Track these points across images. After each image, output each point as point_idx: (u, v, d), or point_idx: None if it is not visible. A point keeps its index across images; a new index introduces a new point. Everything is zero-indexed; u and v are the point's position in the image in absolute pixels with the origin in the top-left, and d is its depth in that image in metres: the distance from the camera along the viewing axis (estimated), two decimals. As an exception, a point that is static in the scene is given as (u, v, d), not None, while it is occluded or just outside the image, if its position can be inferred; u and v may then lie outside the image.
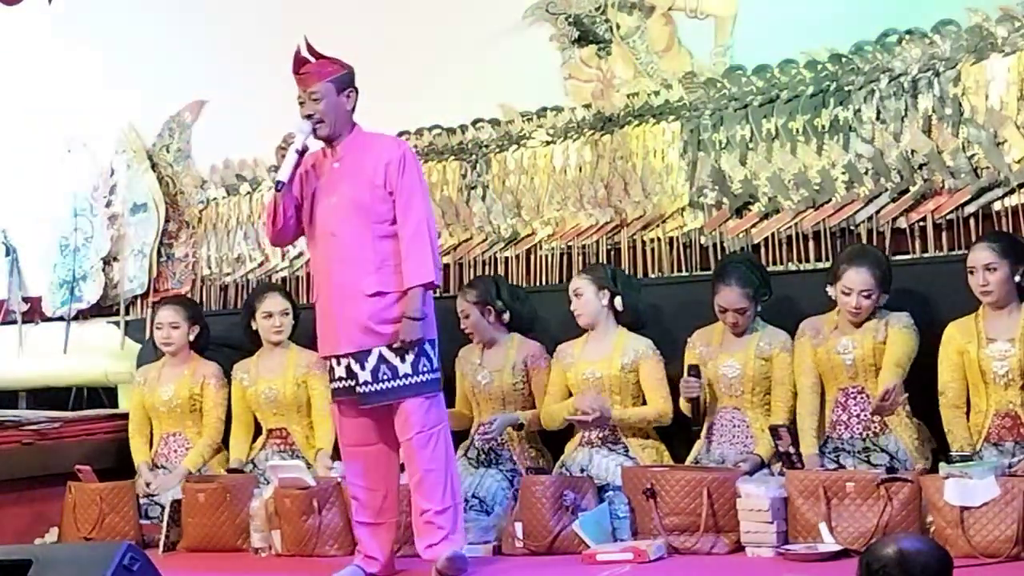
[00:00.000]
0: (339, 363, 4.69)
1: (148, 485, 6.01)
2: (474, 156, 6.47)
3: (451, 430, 4.84)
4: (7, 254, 7.58)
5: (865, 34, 5.61)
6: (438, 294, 6.23)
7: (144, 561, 3.46)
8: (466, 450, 5.64)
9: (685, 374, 5.25)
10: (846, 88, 5.62)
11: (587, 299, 5.49)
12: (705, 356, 5.34)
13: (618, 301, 5.47)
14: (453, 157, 6.53)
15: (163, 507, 5.77)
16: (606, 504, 5.07)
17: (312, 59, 4.70)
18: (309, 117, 4.66)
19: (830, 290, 5.08)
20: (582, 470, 5.30)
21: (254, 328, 6.14)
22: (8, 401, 7.33)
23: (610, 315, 5.50)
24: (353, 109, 4.75)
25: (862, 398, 5.04)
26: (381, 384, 4.61)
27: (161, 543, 5.64)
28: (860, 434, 5.03)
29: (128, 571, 3.39)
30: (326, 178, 4.69)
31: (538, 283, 6.22)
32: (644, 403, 5.44)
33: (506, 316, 5.71)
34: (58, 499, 5.91)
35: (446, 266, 6.37)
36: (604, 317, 5.50)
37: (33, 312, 7.48)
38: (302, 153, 4.67)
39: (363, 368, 4.62)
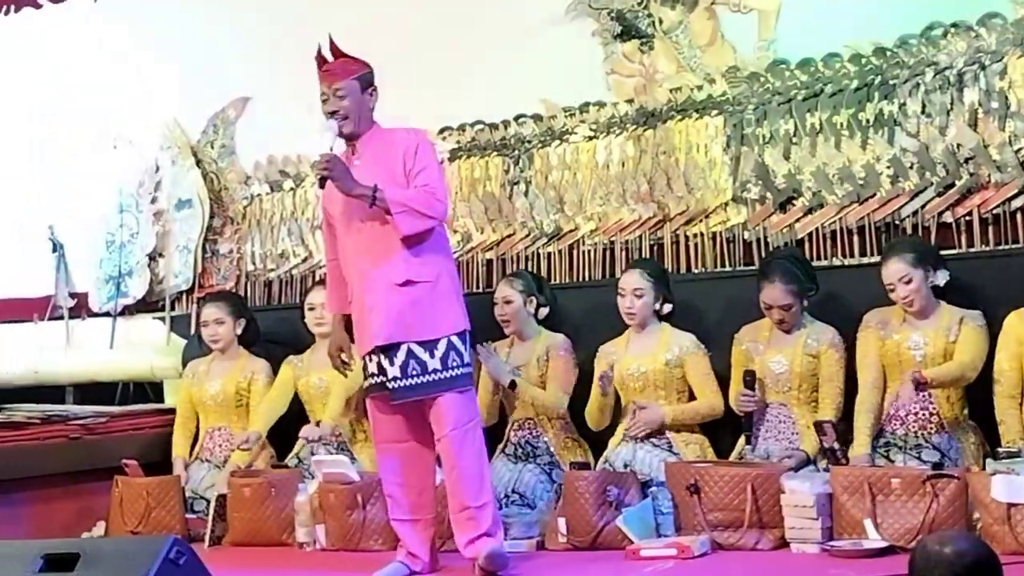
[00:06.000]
0: (371, 359, 4.69)
1: (182, 480, 6.04)
2: (516, 151, 6.46)
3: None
4: (54, 250, 7.63)
5: (910, 27, 5.56)
6: (480, 289, 6.28)
7: (190, 555, 3.48)
8: (503, 446, 5.65)
9: (741, 382, 5.24)
10: (891, 82, 5.58)
11: (646, 302, 5.48)
12: (752, 352, 5.32)
13: (667, 307, 5.53)
14: (495, 153, 6.52)
15: (208, 501, 5.81)
16: (649, 499, 5.06)
17: (333, 57, 4.72)
18: (333, 114, 4.67)
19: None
20: (625, 465, 5.30)
21: (306, 321, 6.19)
22: (55, 396, 7.38)
23: (654, 315, 5.54)
24: (374, 108, 4.76)
25: (922, 396, 4.98)
26: (410, 380, 4.60)
27: (206, 537, 5.69)
28: (915, 432, 4.99)
29: (174, 565, 3.40)
30: None
31: (581, 278, 6.21)
32: (691, 399, 5.45)
33: (543, 312, 5.72)
34: (105, 493, 5.97)
35: (489, 262, 6.39)
36: (652, 318, 5.54)
37: (80, 308, 7.53)
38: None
39: (392, 363, 4.62)
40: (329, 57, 4.73)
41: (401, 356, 4.61)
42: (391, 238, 4.60)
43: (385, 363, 4.63)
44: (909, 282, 4.99)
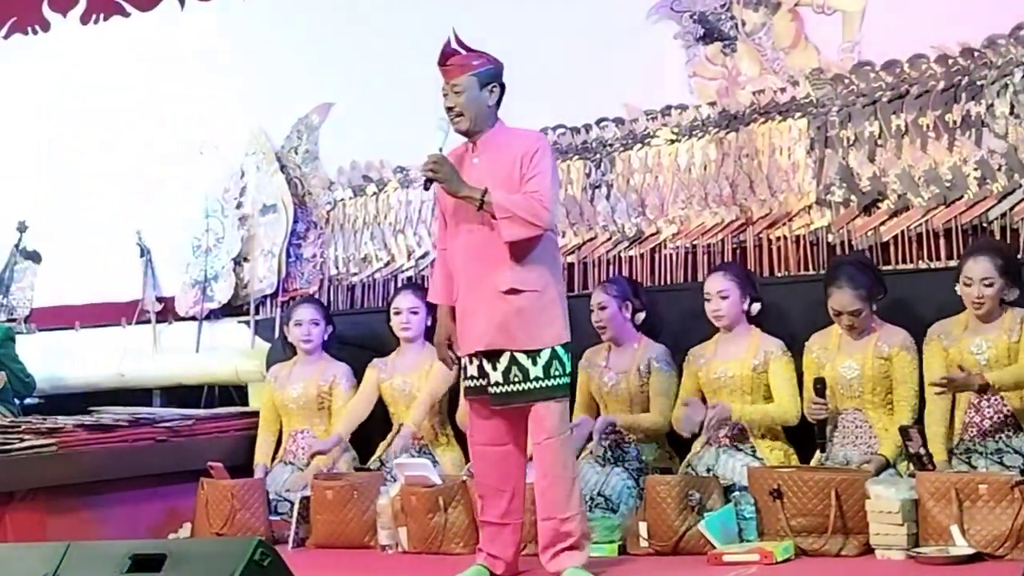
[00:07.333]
0: (472, 361, 4.68)
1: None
2: (598, 155, 6.45)
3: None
4: (141, 255, 7.74)
5: (998, 27, 5.49)
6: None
7: (274, 557, 3.51)
8: (591, 449, 5.64)
9: (811, 390, 5.19)
10: (978, 83, 5.51)
11: (733, 301, 5.46)
12: (823, 359, 5.27)
13: (756, 306, 5.49)
14: (577, 156, 6.51)
15: (292, 504, 5.86)
16: (732, 504, 5.02)
17: (460, 51, 4.69)
18: (450, 110, 4.66)
19: (958, 288, 4.99)
20: (708, 470, 5.27)
21: (391, 325, 6.22)
22: (142, 399, 7.49)
23: (743, 316, 5.50)
24: (498, 104, 4.73)
25: (996, 400, 4.93)
26: (512, 386, 4.58)
27: (290, 539, 5.74)
28: (993, 437, 4.93)
29: (259, 567, 3.43)
30: (466, 173, 4.64)
31: (663, 282, 6.19)
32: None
33: (640, 317, 5.71)
34: (191, 495, 6.03)
35: (570, 265, 6.38)
36: (741, 318, 5.50)
37: (166, 312, 7.63)
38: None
39: (495, 369, 4.60)
40: (461, 51, 4.69)
41: (504, 362, 4.59)
42: (499, 243, 4.56)
43: (488, 367, 4.62)
44: (990, 286, 4.91)
